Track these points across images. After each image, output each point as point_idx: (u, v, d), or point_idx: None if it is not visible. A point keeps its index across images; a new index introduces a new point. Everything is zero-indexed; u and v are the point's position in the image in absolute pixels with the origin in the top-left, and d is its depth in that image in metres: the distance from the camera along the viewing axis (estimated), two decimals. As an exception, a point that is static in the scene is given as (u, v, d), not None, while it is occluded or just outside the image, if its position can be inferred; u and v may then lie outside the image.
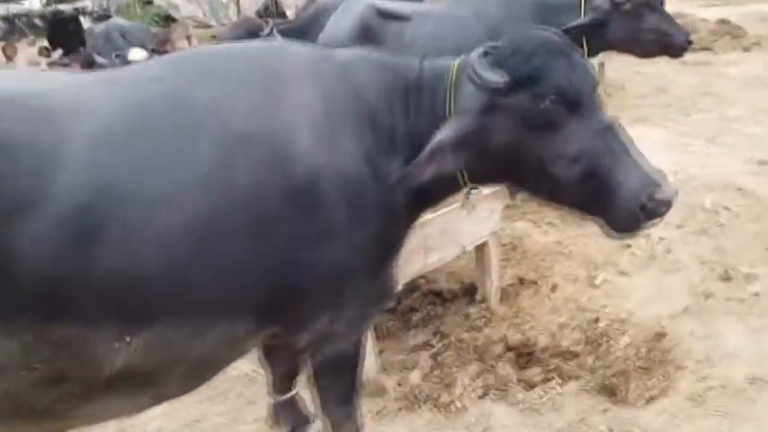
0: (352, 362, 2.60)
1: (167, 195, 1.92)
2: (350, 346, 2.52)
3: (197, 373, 2.22)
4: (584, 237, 5.08)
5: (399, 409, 3.45)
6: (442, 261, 3.90)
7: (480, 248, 4.20)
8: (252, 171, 2.05)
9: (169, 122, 2.01)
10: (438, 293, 4.48)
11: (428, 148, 2.19)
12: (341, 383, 2.63)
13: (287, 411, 3.13)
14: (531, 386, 3.48)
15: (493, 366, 3.58)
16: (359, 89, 2.34)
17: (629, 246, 4.91)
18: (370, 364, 3.62)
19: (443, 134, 2.20)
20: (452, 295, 4.43)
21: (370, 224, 2.27)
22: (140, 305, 1.92)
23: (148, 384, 2.08)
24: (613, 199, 2.19)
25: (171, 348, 2.01)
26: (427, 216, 4.10)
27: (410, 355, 3.85)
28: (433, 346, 3.88)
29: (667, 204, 2.16)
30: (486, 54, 2.22)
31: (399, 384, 3.58)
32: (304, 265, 2.17)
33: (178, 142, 1.99)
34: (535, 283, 4.51)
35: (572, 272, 4.62)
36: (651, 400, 3.36)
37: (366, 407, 3.49)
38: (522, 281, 4.53)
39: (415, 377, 3.62)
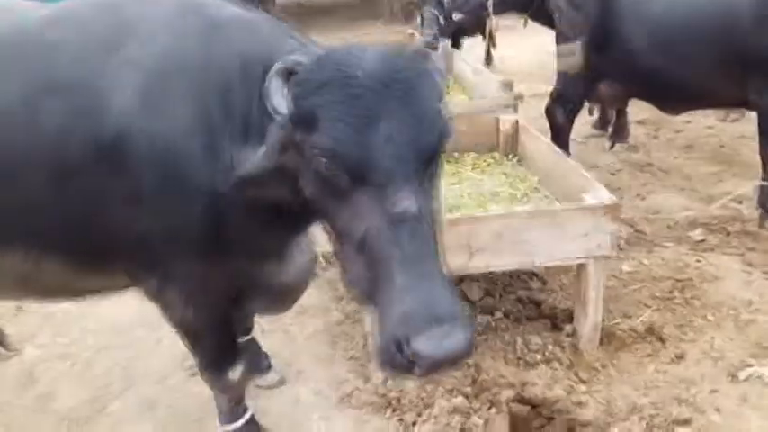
0: (202, 335, 2.46)
1: None
2: (192, 319, 2.36)
3: (66, 291, 2.50)
4: (799, 308, 3.47)
5: (366, 404, 3.13)
6: (493, 267, 3.20)
7: (580, 271, 3.29)
8: (60, 119, 2.05)
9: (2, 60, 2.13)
10: (538, 304, 3.73)
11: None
12: (198, 350, 2.54)
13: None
14: (490, 454, 2.74)
15: (471, 410, 2.91)
16: (219, 54, 2.05)
17: None
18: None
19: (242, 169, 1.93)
20: (547, 314, 3.62)
21: (192, 204, 2.08)
22: None
23: (24, 286, 2.41)
24: (379, 320, 1.66)
25: (13, 266, 2.26)
26: (475, 212, 3.41)
27: (431, 355, 3.37)
28: (455, 358, 3.31)
29: (422, 364, 1.54)
30: (289, 72, 1.74)
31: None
32: (111, 224, 2.13)
33: None
34: (662, 340, 3.35)
35: (725, 347, 3.26)
36: None
37: (340, 386, 3.28)
38: (650, 331, 3.42)
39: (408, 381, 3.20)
